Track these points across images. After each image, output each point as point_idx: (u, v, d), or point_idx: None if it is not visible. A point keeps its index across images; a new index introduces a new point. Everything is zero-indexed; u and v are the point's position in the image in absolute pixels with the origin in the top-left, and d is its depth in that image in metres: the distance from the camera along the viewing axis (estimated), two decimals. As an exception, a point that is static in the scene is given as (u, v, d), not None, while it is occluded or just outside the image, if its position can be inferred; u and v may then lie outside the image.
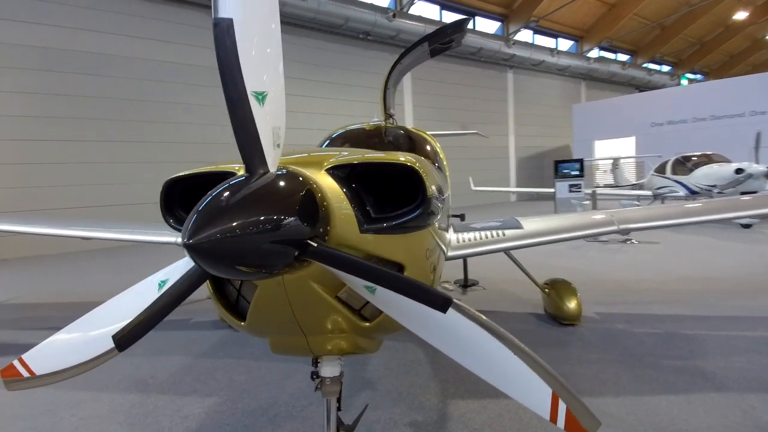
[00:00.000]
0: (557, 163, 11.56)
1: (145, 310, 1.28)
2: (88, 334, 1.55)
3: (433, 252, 1.91)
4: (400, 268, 1.59)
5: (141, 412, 3.08)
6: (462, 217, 6.26)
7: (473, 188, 14.52)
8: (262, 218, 1.11)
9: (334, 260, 1.25)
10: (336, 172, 1.47)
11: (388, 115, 4.18)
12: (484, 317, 1.34)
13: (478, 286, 6.15)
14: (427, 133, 4.82)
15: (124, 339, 1.29)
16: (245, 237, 1.07)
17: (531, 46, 22.63)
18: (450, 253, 3.66)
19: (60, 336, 1.61)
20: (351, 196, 1.47)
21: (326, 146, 3.95)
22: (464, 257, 4.26)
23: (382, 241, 1.50)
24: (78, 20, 11.47)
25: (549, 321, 4.53)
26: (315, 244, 1.23)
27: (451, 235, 4.01)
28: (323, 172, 1.44)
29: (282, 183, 1.25)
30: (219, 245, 1.03)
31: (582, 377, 3.26)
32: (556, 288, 4.50)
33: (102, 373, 3.66)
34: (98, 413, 3.12)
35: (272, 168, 1.27)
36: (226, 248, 1.05)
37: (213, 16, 1.20)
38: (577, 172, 11.17)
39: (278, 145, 1.31)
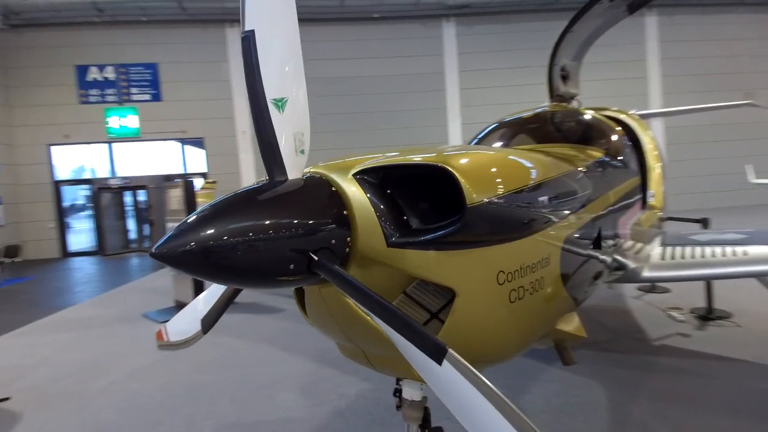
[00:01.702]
0: None
1: (218, 299, 1.48)
2: (192, 316, 1.90)
3: (530, 275, 1.47)
4: (453, 294, 1.31)
5: (311, 380, 3.60)
6: (704, 222, 4.66)
7: (753, 181, 10.62)
8: (253, 226, 1.09)
9: (333, 276, 1.13)
10: (366, 177, 1.31)
11: (559, 98, 3.47)
12: (480, 376, 0.98)
13: (729, 321, 4.44)
14: (635, 114, 3.80)
15: (207, 323, 1.53)
16: (228, 246, 1.04)
17: None
18: (646, 274, 2.79)
19: (178, 315, 2.03)
20: (384, 205, 1.28)
21: (480, 138, 3.58)
22: (664, 280, 3.18)
23: (421, 258, 1.25)
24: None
25: None
26: (316, 258, 1.14)
27: (653, 249, 3.04)
28: (350, 177, 1.31)
29: (292, 190, 1.20)
30: (187, 255, 1.02)
31: None
32: None
33: (300, 337, 4.54)
34: (284, 373, 3.81)
35: (294, 174, 1.24)
36: (194, 258, 1.03)
37: (241, 30, 1.26)
38: None
39: (302, 151, 1.28)
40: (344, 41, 14.56)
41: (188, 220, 1.08)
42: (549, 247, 1.56)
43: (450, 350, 0.98)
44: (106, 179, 14.38)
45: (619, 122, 3.63)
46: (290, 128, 1.24)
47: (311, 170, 1.35)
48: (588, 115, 3.35)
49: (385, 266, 1.26)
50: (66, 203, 14.52)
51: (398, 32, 14.77)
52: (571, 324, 1.92)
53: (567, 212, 1.72)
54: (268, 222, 1.11)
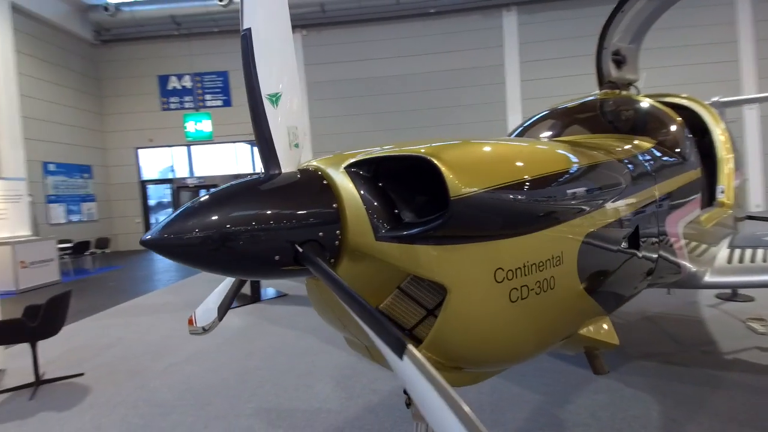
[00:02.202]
0: None
1: (228, 289, 1.57)
2: (215, 304, 1.99)
3: (536, 274, 1.36)
4: (445, 290, 1.26)
5: (348, 374, 3.66)
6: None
7: None
8: (239, 217, 1.11)
9: (315, 268, 1.14)
10: (358, 170, 1.30)
11: (611, 84, 3.18)
12: (433, 374, 0.95)
13: (827, 336, 3.84)
14: (718, 100, 3.41)
15: (221, 310, 1.63)
16: (213, 237, 1.08)
17: None
18: (708, 278, 2.50)
19: (204, 303, 2.13)
20: (375, 198, 1.26)
21: (521, 130, 3.39)
22: (729, 286, 2.83)
23: (409, 252, 1.21)
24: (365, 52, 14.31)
25: None
26: (300, 249, 1.15)
27: (719, 251, 2.71)
28: (342, 170, 1.30)
29: (281, 183, 1.22)
30: (170, 244, 1.08)
31: None
32: None
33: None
34: (324, 365, 3.92)
35: (288, 168, 1.27)
36: (177, 248, 1.08)
37: (240, 29, 1.32)
38: None
39: (296, 145, 1.30)
40: (400, 39, 14.60)
41: (177, 211, 1.14)
42: (562, 244, 1.43)
43: (409, 347, 0.96)
44: (184, 179, 15.74)
45: (685, 110, 3.26)
46: (284, 122, 1.27)
47: (307, 164, 1.37)
48: (643, 103, 3.04)
49: (375, 260, 1.24)
50: (151, 200, 16.11)
51: (456, 26, 14.50)
52: (601, 330, 1.76)
53: (589, 207, 1.57)
54: (254, 213, 1.14)
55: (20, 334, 3.78)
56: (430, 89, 14.50)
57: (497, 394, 3.20)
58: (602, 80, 3.28)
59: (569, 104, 3.24)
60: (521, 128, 3.37)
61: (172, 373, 4.08)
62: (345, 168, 1.29)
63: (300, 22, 14.21)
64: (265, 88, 1.26)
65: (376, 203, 1.24)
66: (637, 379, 3.27)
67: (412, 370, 0.94)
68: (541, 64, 14.22)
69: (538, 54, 14.26)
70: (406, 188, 1.31)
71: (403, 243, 1.20)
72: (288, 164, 1.27)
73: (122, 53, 15.20)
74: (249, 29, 1.28)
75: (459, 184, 1.17)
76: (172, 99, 15.40)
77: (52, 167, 13.12)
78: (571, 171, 1.57)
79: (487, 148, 1.46)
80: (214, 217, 1.11)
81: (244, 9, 1.31)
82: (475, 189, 1.20)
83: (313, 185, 1.26)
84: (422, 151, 1.25)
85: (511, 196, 1.30)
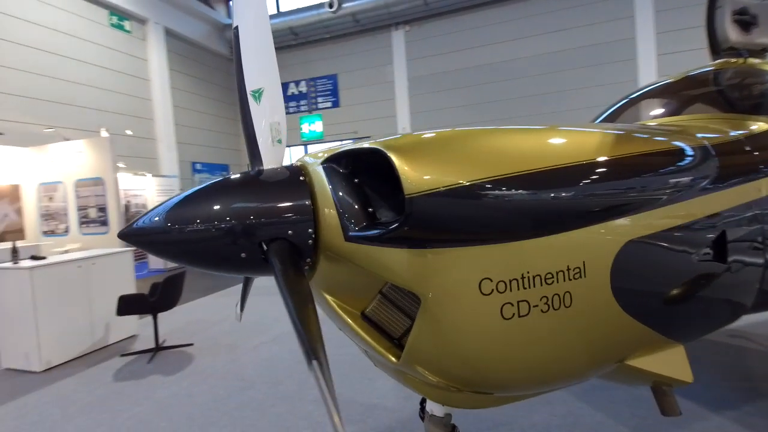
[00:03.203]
0: None
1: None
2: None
3: (541, 288, 1.10)
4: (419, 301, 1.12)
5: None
6: None
7: None
8: (209, 213, 1.12)
9: (272, 268, 1.10)
10: (334, 166, 1.20)
11: (731, 51, 2.47)
12: (328, 389, 0.91)
13: None
14: None
15: (242, 302, 1.74)
16: (184, 231, 1.11)
17: None
18: None
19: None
20: (349, 196, 1.15)
21: (607, 116, 2.83)
22: None
23: (378, 255, 1.08)
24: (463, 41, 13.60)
25: None
26: (265, 247, 1.12)
27: None
28: (319, 165, 1.21)
29: (257, 180, 1.21)
30: (144, 234, 1.13)
31: None
32: None
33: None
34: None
35: (271, 164, 1.26)
36: (150, 239, 1.14)
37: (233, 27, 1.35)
38: None
39: (279, 141, 1.28)
40: (504, 22, 13.73)
41: (157, 206, 1.20)
42: (584, 252, 1.14)
43: (314, 361, 0.94)
44: (299, 176, 17.31)
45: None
46: (267, 118, 1.27)
47: (299, 159, 1.35)
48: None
49: (347, 263, 1.15)
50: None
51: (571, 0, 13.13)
52: (667, 362, 1.39)
53: (633, 207, 1.22)
54: (222, 210, 1.14)
55: (143, 306, 4.51)
56: (541, 73, 13.39)
57: (571, 417, 2.81)
58: (716, 47, 2.61)
59: (670, 79, 2.64)
60: (610, 112, 2.86)
61: (260, 350, 4.47)
62: (322, 163, 1.21)
63: (402, 18, 14.33)
64: (249, 85, 1.27)
65: (349, 201, 1.15)
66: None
67: (317, 377, 0.89)
68: (678, 35, 12.06)
69: (677, 22, 12.12)
70: (387, 186, 1.18)
71: (370, 245, 1.09)
72: (271, 160, 1.27)
73: (250, 65, 17.20)
74: (237, 27, 1.30)
75: (417, 180, 1.02)
76: (291, 104, 16.90)
77: (198, 166, 15.49)
78: (601, 163, 1.23)
79: (465, 137, 1.22)
80: (183, 212, 1.15)
81: (234, 8, 1.36)
82: (442, 185, 1.03)
83: (289, 182, 1.22)
84: (381, 143, 1.11)
85: (497, 194, 1.07)
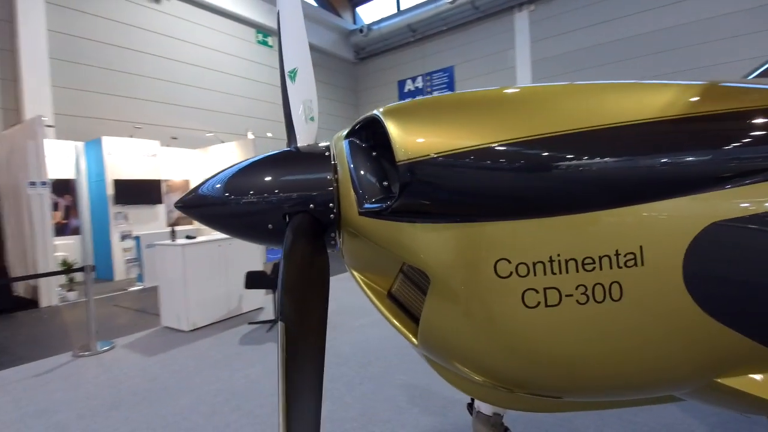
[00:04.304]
0: None
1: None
2: None
3: (577, 275, 0.92)
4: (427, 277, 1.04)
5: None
6: None
7: None
8: (243, 186, 1.18)
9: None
10: (355, 139, 1.15)
11: None
12: (282, 355, 0.87)
13: None
14: None
15: None
16: (220, 202, 1.20)
17: None
18: None
19: None
20: (366, 169, 1.11)
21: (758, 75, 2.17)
22: None
23: (387, 229, 1.01)
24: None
25: None
26: (287, 220, 1.14)
27: None
28: (342, 139, 1.17)
29: (288, 155, 1.24)
30: (192, 206, 1.24)
31: None
32: None
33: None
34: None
35: (305, 141, 1.28)
36: (196, 209, 1.24)
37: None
38: None
39: (312, 118, 1.30)
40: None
41: (204, 181, 1.35)
42: (643, 235, 0.90)
43: (280, 322, 0.91)
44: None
45: None
46: (300, 97, 1.30)
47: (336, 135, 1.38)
48: None
49: (364, 239, 1.13)
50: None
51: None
52: None
53: (728, 176, 0.92)
54: (254, 184, 1.20)
55: (264, 282, 5.11)
56: (695, 44, 11.21)
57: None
58: None
59: None
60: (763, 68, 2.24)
61: (360, 331, 4.70)
62: (345, 136, 1.21)
63: (526, -1, 13.47)
64: (287, 65, 1.32)
65: (365, 174, 1.12)
66: None
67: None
68: None
69: None
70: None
71: (377, 219, 1.06)
72: (305, 138, 1.30)
73: (372, 67, 17.99)
74: (279, 12, 1.38)
75: (411, 146, 0.93)
76: (408, 100, 17.34)
77: (325, 163, 16.99)
78: (669, 121, 0.95)
79: (493, 97, 1.05)
80: (221, 187, 1.26)
81: None
82: (441, 151, 0.92)
83: (315, 157, 1.23)
84: (387, 107, 1.05)
85: (512, 160, 0.92)
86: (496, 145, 0.93)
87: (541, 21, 13.54)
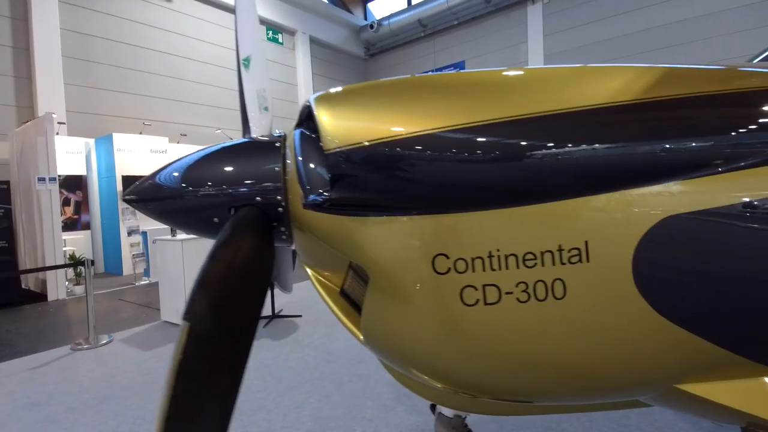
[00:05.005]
0: None
1: None
2: None
3: (517, 272, 0.84)
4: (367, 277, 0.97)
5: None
6: None
7: None
8: (188, 179, 1.13)
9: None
10: (304, 129, 1.11)
11: None
12: (177, 358, 0.81)
13: None
14: None
15: None
16: (166, 195, 1.15)
17: None
18: None
19: None
20: (314, 160, 1.07)
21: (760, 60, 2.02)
22: None
23: (327, 223, 0.95)
24: None
25: None
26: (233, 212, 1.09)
27: None
28: (294, 129, 1.11)
29: (237, 146, 1.18)
30: (137, 199, 1.19)
31: None
32: None
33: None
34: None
35: (259, 131, 1.24)
36: (142, 203, 1.19)
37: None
38: None
39: (266, 108, 1.26)
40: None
41: (153, 173, 1.30)
42: (588, 229, 0.82)
43: (184, 321, 0.85)
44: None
45: None
46: (254, 86, 1.27)
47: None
48: None
49: (309, 233, 1.07)
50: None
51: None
52: (753, 394, 0.95)
53: (684, 167, 0.83)
54: (201, 176, 1.15)
55: (261, 278, 5.10)
56: (712, 36, 10.81)
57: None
58: None
59: None
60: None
61: (355, 330, 4.65)
62: (295, 127, 1.15)
63: (539, -10, 13.18)
64: (241, 53, 1.29)
65: (310, 166, 1.06)
66: None
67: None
68: None
69: None
70: None
71: (319, 211, 0.99)
72: (259, 128, 1.25)
73: (383, 62, 17.89)
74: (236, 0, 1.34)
75: (339, 133, 0.87)
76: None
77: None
78: (624, 106, 0.86)
79: (436, 81, 0.97)
80: (168, 179, 1.21)
81: None
82: (371, 138, 0.85)
83: (265, 148, 1.16)
84: (322, 94, 0.99)
85: (448, 149, 0.84)
86: (434, 132, 0.86)
87: (555, 13, 13.24)
